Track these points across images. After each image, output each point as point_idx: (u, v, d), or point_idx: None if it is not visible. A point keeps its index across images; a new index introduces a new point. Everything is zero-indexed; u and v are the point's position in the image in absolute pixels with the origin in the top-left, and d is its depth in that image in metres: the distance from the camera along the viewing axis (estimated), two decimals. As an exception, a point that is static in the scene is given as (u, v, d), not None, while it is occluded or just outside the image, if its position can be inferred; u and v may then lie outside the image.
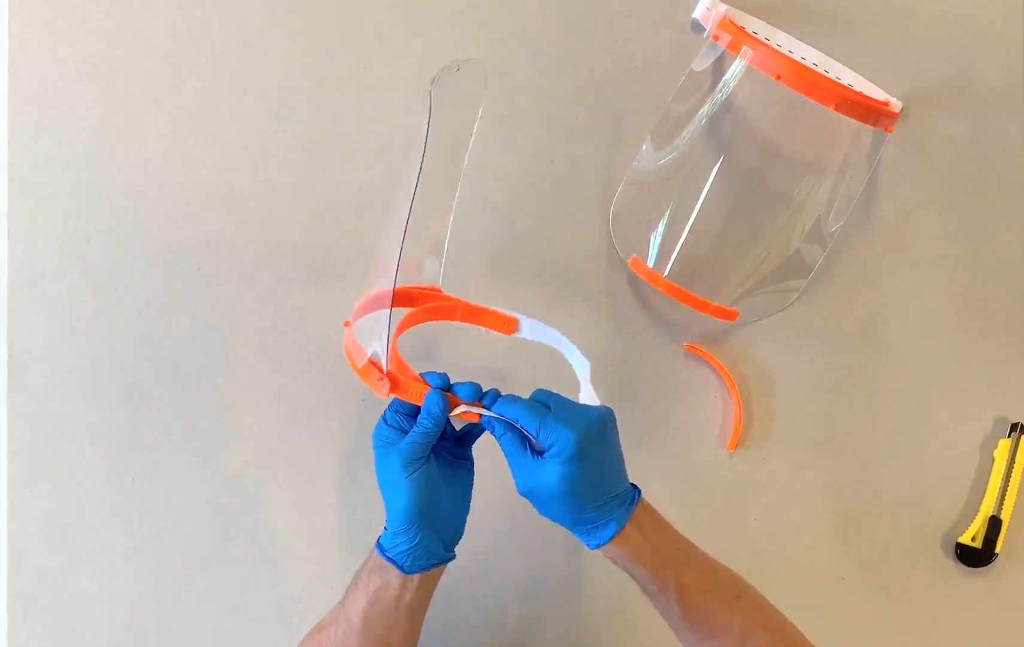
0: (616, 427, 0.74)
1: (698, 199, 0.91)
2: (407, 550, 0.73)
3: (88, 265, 0.93)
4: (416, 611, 0.75)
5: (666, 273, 0.91)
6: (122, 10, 0.93)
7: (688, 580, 0.73)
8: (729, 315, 0.91)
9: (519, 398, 0.73)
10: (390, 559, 0.73)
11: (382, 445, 0.75)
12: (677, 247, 0.92)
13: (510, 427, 0.73)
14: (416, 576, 0.73)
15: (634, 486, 0.75)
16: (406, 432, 0.74)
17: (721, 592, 0.74)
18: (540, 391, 0.74)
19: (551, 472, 0.70)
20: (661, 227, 0.92)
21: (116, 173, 0.93)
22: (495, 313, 0.83)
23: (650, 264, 0.91)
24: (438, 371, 0.75)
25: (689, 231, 0.91)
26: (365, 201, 0.93)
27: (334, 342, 0.93)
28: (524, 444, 0.72)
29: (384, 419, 0.76)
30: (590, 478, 0.71)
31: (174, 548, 0.93)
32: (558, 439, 0.70)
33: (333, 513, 0.93)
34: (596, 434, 0.72)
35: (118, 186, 0.93)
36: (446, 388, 0.74)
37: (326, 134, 0.93)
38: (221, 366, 0.93)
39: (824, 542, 0.94)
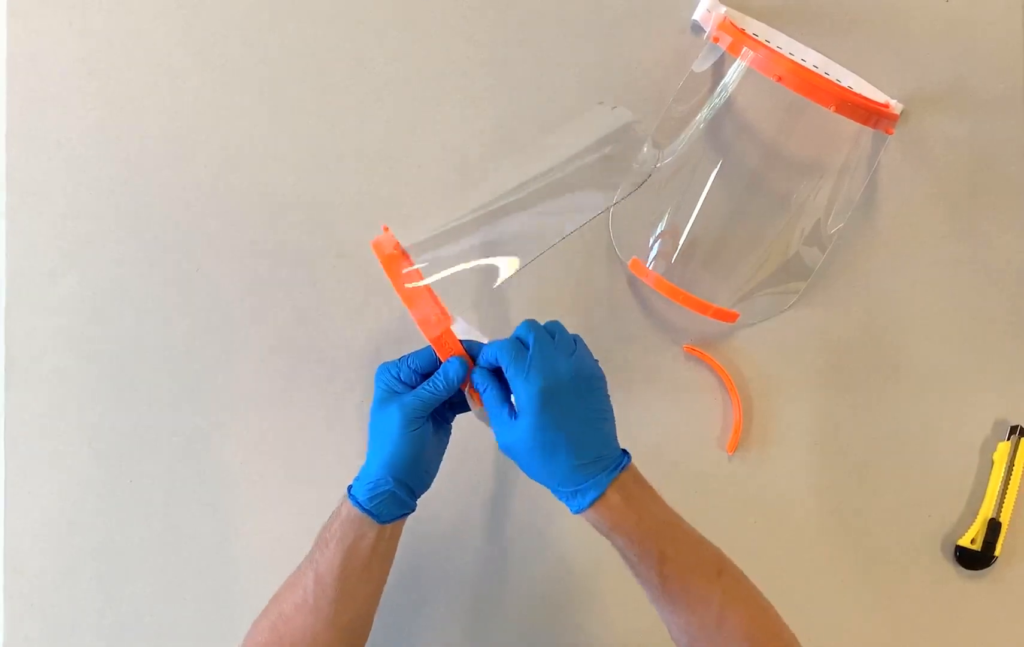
0: (603, 388, 0.73)
1: (698, 201, 0.91)
2: (385, 501, 0.74)
3: (87, 265, 0.93)
4: (387, 560, 0.78)
5: (666, 275, 0.91)
6: (121, 10, 0.92)
7: (670, 552, 0.71)
8: (729, 317, 0.91)
9: (505, 340, 0.73)
10: (366, 510, 0.74)
11: (387, 392, 0.75)
12: (677, 249, 0.91)
13: (493, 381, 0.73)
14: (388, 526, 0.75)
15: (624, 452, 0.73)
16: (412, 387, 0.75)
17: (702, 567, 0.72)
18: (526, 324, 0.73)
19: (520, 423, 0.70)
20: (661, 228, 0.92)
21: (115, 173, 0.93)
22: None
23: (650, 265, 0.91)
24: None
25: (689, 233, 0.91)
26: (365, 202, 0.93)
27: (334, 343, 0.93)
28: (506, 398, 0.73)
29: (397, 372, 0.76)
30: (562, 433, 0.70)
31: (172, 549, 0.93)
32: (526, 385, 0.69)
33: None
34: (572, 387, 0.70)
35: (117, 186, 0.93)
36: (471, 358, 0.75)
37: (326, 134, 0.93)
38: (220, 367, 0.93)
39: (823, 544, 0.94)
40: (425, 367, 0.76)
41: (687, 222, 0.91)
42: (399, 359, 0.77)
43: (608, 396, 0.74)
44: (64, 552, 0.93)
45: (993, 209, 0.94)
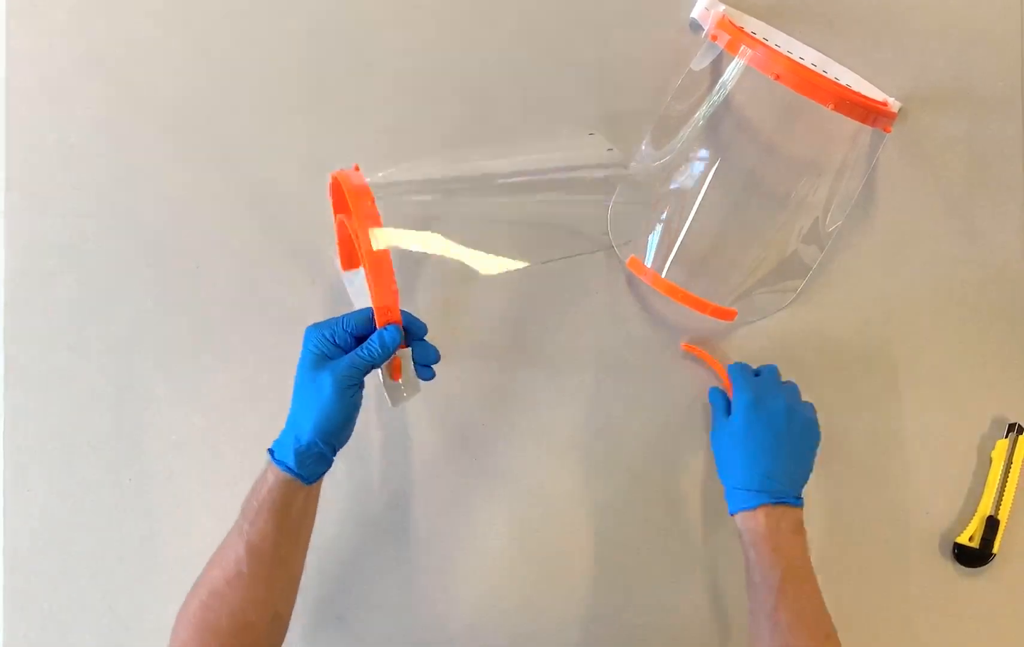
0: (813, 439, 0.84)
1: (696, 199, 0.91)
2: (313, 462, 0.75)
3: (86, 264, 0.93)
4: (312, 519, 0.80)
5: (664, 273, 0.91)
6: (120, 8, 0.93)
7: (790, 590, 0.77)
8: (727, 315, 0.91)
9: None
10: (296, 473, 0.75)
11: (318, 356, 0.75)
12: (675, 247, 0.91)
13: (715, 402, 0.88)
14: (314, 485, 0.77)
15: (799, 498, 0.82)
16: (344, 350, 0.76)
17: (812, 620, 0.78)
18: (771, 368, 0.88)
19: (733, 422, 0.83)
20: (659, 227, 0.92)
21: (113, 171, 0.93)
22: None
23: (648, 264, 0.91)
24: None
25: (687, 231, 0.91)
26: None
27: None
28: (727, 404, 0.87)
29: (331, 335, 0.76)
30: (762, 445, 0.81)
31: (171, 548, 0.93)
32: (744, 393, 0.84)
33: (331, 512, 0.93)
34: (785, 414, 0.83)
35: (116, 184, 0.93)
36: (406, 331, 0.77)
37: (325, 131, 0.93)
38: (219, 365, 0.93)
39: (821, 541, 0.94)
40: (361, 330, 0.76)
41: (685, 220, 0.91)
42: (331, 320, 0.77)
43: (814, 451, 0.83)
44: (63, 551, 0.93)
45: (991, 207, 0.94)
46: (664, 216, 0.92)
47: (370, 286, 0.74)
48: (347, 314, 0.77)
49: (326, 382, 0.74)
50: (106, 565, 0.93)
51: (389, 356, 0.75)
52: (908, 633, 0.94)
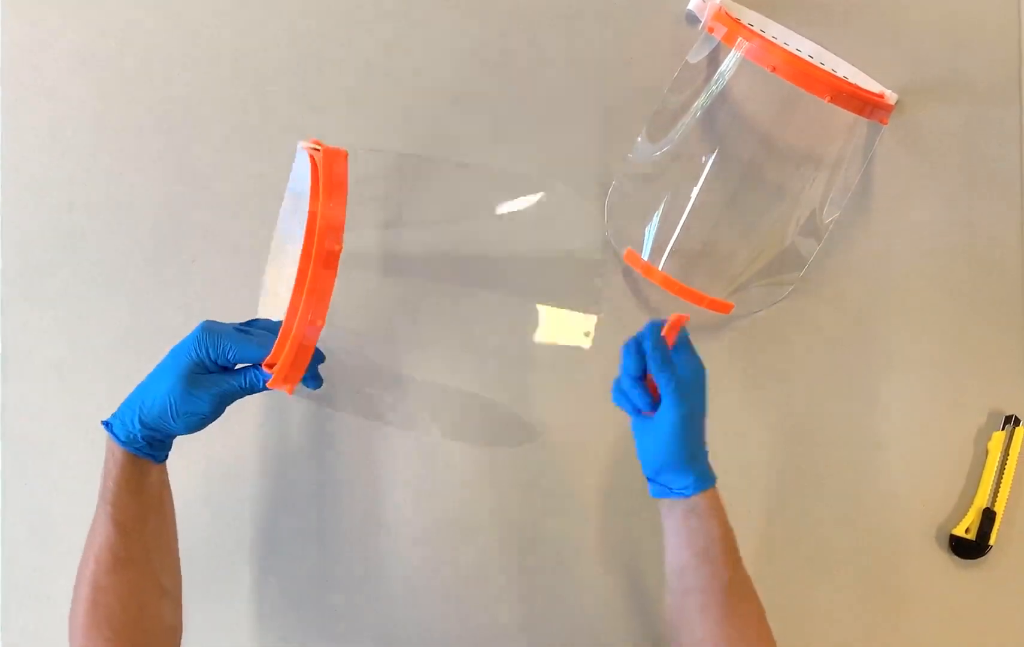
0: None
1: (693, 191, 0.91)
2: (167, 441, 0.77)
3: (81, 258, 0.93)
4: (168, 488, 0.80)
5: (661, 266, 0.91)
6: (115, 3, 0.92)
7: (739, 556, 0.76)
8: (724, 308, 0.91)
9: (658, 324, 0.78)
10: (148, 454, 0.76)
11: (202, 366, 0.75)
12: (672, 240, 0.91)
13: (624, 390, 0.79)
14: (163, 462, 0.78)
15: None
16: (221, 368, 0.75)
17: (751, 583, 0.77)
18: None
19: (675, 405, 0.75)
20: (656, 220, 0.92)
21: (109, 166, 0.93)
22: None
23: (645, 257, 0.91)
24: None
25: (684, 224, 0.91)
26: (361, 196, 0.92)
27: (331, 338, 0.92)
28: (644, 383, 0.78)
29: (227, 353, 0.75)
30: (701, 418, 0.77)
31: (169, 541, 0.93)
32: (698, 367, 0.78)
33: (329, 510, 0.93)
34: (704, 377, 0.78)
35: (112, 178, 0.93)
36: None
37: (319, 125, 0.93)
38: (216, 359, 0.93)
39: (817, 533, 0.94)
40: (249, 359, 0.76)
41: (682, 213, 0.91)
42: (236, 338, 0.75)
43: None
44: (61, 544, 0.93)
45: (987, 199, 0.94)
46: (661, 209, 0.92)
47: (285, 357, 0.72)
48: (250, 341, 0.75)
49: (203, 399, 0.75)
50: (104, 558, 0.93)
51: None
52: (904, 625, 0.94)
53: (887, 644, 0.94)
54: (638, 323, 0.93)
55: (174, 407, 0.74)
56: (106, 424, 0.77)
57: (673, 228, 0.91)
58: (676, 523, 0.76)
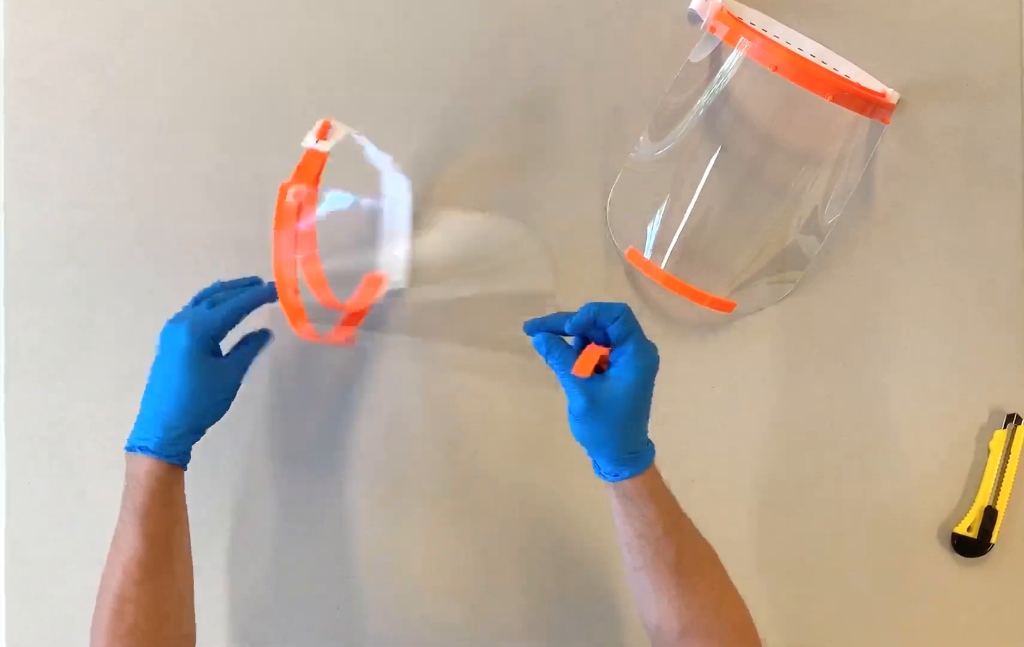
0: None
1: (695, 190, 0.91)
2: (189, 448, 0.79)
3: (84, 257, 0.93)
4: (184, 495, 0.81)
5: (663, 265, 0.91)
6: (116, 2, 0.92)
7: (687, 530, 0.75)
8: (726, 306, 0.91)
9: (601, 304, 0.75)
10: (179, 459, 0.78)
11: (205, 353, 0.78)
12: (674, 238, 0.91)
13: (556, 344, 0.75)
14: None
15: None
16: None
17: (706, 551, 0.76)
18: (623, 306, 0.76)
19: (621, 385, 0.72)
20: (658, 218, 0.92)
21: (112, 165, 0.93)
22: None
23: (647, 256, 0.91)
24: None
25: (686, 223, 0.91)
26: (362, 193, 0.93)
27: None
28: (571, 360, 0.74)
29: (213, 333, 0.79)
30: (645, 402, 0.74)
31: (172, 539, 0.93)
32: (646, 353, 0.73)
33: (332, 508, 0.93)
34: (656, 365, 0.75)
35: (115, 177, 0.93)
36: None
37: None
38: (219, 358, 0.93)
39: (819, 532, 0.94)
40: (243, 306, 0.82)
41: (684, 212, 0.91)
42: (219, 306, 0.80)
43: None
44: (66, 542, 0.93)
45: (989, 198, 0.94)
46: (663, 208, 0.92)
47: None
48: (225, 300, 0.81)
49: (233, 376, 0.80)
50: (106, 557, 0.93)
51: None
52: (906, 623, 0.94)
53: (889, 642, 0.94)
54: (640, 322, 0.92)
55: (203, 403, 0.77)
56: (139, 448, 0.78)
57: (675, 227, 0.91)
58: (615, 502, 0.75)
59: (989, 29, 0.93)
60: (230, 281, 0.85)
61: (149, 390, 0.79)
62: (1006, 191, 0.94)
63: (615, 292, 0.93)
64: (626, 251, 0.92)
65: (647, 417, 0.75)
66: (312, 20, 0.93)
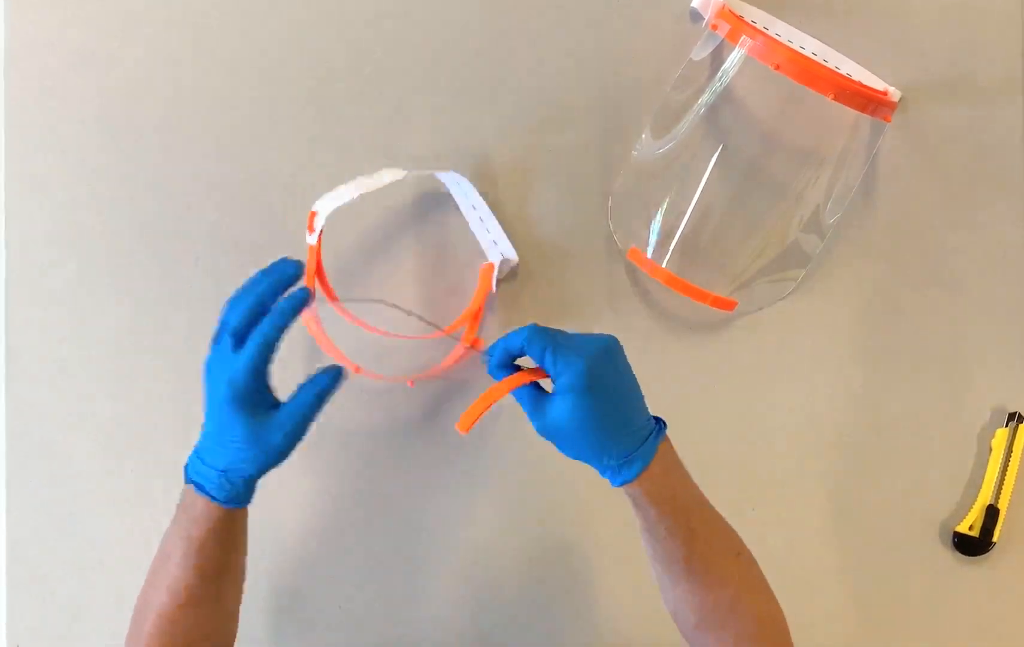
0: (624, 355, 0.72)
1: (697, 189, 0.91)
2: (248, 492, 0.72)
3: (85, 257, 0.93)
4: (246, 526, 0.76)
5: (664, 263, 0.91)
6: (117, 1, 0.92)
7: (699, 529, 0.71)
8: (728, 305, 0.91)
9: (519, 331, 0.72)
10: (236, 504, 0.71)
11: (248, 403, 0.69)
12: (676, 237, 0.91)
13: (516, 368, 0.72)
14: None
15: (658, 420, 0.73)
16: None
17: (724, 547, 0.73)
18: (535, 325, 0.72)
19: (564, 404, 0.69)
20: (659, 217, 0.92)
21: (113, 164, 0.93)
22: None
23: (649, 254, 0.91)
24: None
25: (688, 221, 0.91)
26: (363, 195, 0.92)
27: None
28: (533, 384, 0.72)
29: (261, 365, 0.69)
30: (606, 408, 0.70)
31: (173, 539, 0.93)
32: (567, 366, 0.69)
33: (332, 505, 0.93)
34: (604, 360, 0.70)
35: (115, 177, 0.93)
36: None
37: (323, 124, 0.93)
38: (220, 357, 0.93)
39: (821, 531, 0.94)
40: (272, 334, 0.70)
41: (685, 211, 0.91)
42: (247, 351, 0.70)
43: (626, 359, 0.73)
44: (66, 542, 0.93)
45: (991, 197, 0.94)
46: (664, 206, 0.92)
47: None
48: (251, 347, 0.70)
49: (276, 438, 0.70)
50: (108, 556, 0.93)
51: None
52: (908, 622, 0.94)
53: (891, 641, 0.94)
54: (642, 320, 0.94)
55: (258, 461, 0.71)
56: (196, 485, 0.72)
57: (677, 225, 0.91)
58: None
59: (991, 28, 0.93)
60: (263, 274, 0.73)
61: (207, 420, 0.72)
62: (1008, 190, 0.94)
63: (616, 291, 0.93)
64: (628, 250, 0.91)
65: (623, 423, 0.70)
66: (312, 20, 0.93)
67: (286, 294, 0.72)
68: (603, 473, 0.71)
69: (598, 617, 0.94)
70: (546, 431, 0.71)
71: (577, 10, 0.93)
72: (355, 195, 0.82)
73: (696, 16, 0.92)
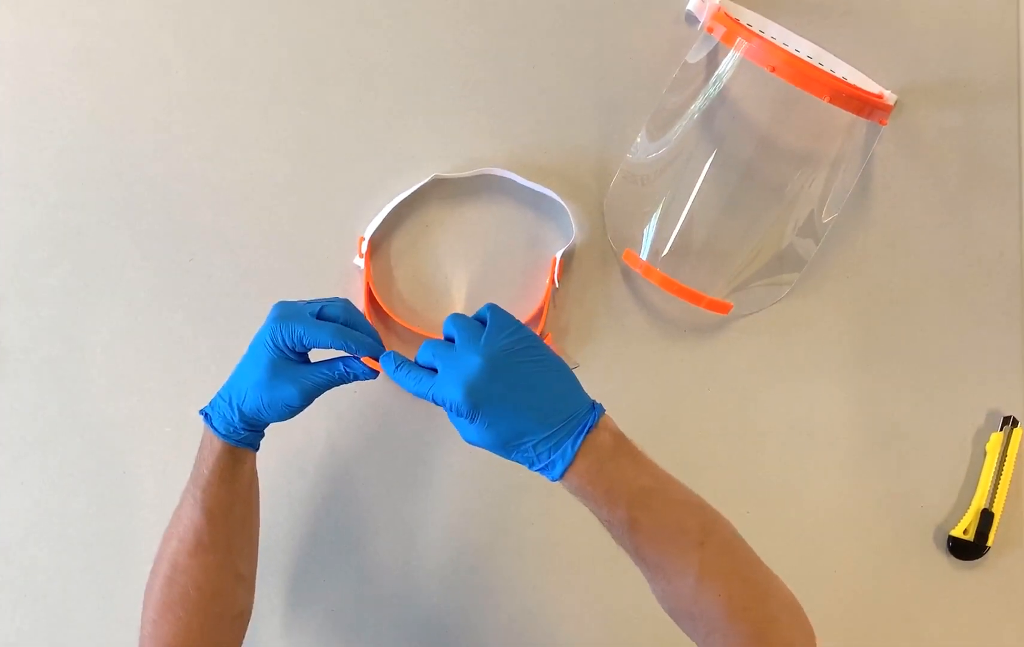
0: (540, 345, 0.69)
1: (692, 192, 0.91)
2: (262, 430, 0.77)
3: (78, 256, 0.92)
4: (256, 479, 0.81)
5: (659, 266, 0.91)
6: (117, 1, 0.92)
7: (643, 520, 0.67)
8: (723, 308, 0.91)
9: (411, 366, 0.71)
10: (247, 444, 0.76)
11: (276, 353, 0.73)
12: (671, 240, 0.91)
13: (403, 363, 0.72)
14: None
15: (593, 407, 0.69)
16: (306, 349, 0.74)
17: (681, 536, 0.68)
18: (428, 343, 0.71)
19: (468, 428, 0.69)
20: (655, 220, 0.92)
21: (107, 163, 0.92)
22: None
23: (643, 257, 0.91)
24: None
25: (683, 224, 0.91)
26: (358, 193, 0.92)
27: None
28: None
29: (300, 339, 0.72)
30: (513, 416, 0.67)
31: (166, 540, 0.93)
32: (449, 401, 0.68)
33: (325, 505, 0.93)
34: (494, 371, 0.67)
35: (109, 177, 0.92)
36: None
37: (318, 124, 0.92)
38: (213, 358, 0.92)
39: (816, 534, 0.94)
40: (323, 346, 0.73)
41: (681, 213, 0.91)
42: (309, 324, 0.72)
43: (549, 349, 0.70)
44: (56, 543, 0.93)
45: (986, 200, 0.94)
46: (659, 209, 0.92)
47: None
48: (319, 328, 0.73)
49: (291, 392, 0.73)
50: (100, 557, 0.92)
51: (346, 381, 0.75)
52: (902, 626, 0.94)
53: (885, 645, 0.94)
54: (637, 323, 0.94)
55: (263, 398, 0.74)
56: (204, 415, 0.76)
57: (672, 228, 0.91)
58: None
59: (986, 31, 0.93)
60: (351, 342, 0.74)
61: (237, 367, 0.76)
62: (1003, 193, 0.94)
63: (611, 293, 0.93)
64: (622, 252, 0.91)
65: (531, 429, 0.67)
66: (312, 20, 0.92)
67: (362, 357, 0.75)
68: (531, 468, 0.69)
69: (595, 617, 0.94)
70: (472, 444, 0.70)
71: (573, 12, 0.93)
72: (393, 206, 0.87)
73: (692, 19, 0.92)
